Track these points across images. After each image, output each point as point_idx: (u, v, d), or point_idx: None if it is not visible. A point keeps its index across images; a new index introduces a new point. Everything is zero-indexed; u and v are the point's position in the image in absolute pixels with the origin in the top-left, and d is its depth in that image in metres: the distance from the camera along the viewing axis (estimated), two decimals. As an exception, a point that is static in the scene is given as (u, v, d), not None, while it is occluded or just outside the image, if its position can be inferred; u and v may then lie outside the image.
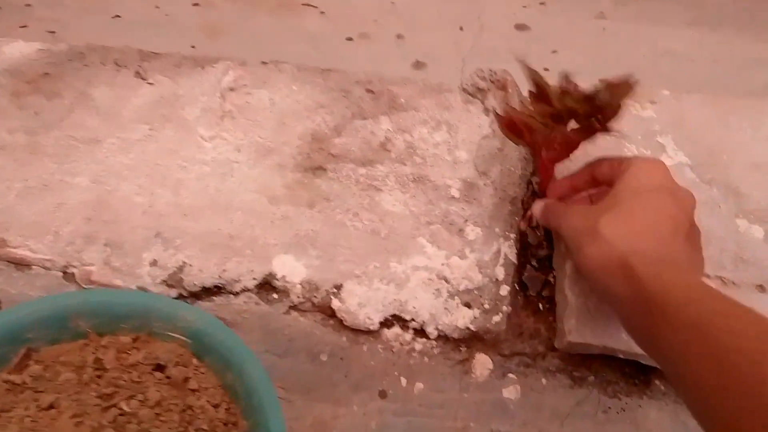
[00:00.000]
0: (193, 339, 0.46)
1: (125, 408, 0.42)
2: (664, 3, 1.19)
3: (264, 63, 0.84)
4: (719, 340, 0.36)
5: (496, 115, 0.63)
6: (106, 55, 0.84)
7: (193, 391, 0.44)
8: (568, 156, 0.62)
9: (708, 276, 0.60)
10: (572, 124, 0.58)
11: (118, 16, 1.02)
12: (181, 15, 1.07)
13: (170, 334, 0.46)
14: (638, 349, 0.56)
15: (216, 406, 0.44)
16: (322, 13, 1.10)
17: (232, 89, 0.80)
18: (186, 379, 0.45)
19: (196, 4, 1.05)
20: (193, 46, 0.98)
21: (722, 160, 0.70)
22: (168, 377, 0.45)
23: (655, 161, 0.53)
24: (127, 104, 0.77)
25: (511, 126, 0.61)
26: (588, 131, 0.58)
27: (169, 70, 0.83)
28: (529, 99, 0.62)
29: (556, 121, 0.59)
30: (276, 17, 1.07)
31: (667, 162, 0.68)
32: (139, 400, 0.43)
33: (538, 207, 0.62)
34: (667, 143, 0.71)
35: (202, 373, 0.45)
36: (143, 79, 0.81)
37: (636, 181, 0.50)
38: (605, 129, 0.57)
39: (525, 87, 0.80)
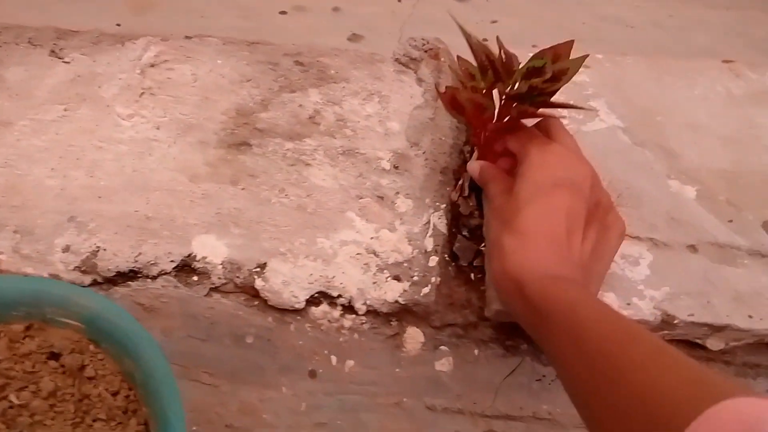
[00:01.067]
0: (88, 324, 0.43)
1: (14, 400, 0.39)
2: (605, -32, 1.17)
3: (188, 37, 0.81)
4: (590, 345, 0.39)
5: (438, 91, 0.61)
6: (19, 34, 0.80)
7: (90, 378, 0.42)
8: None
9: (639, 238, 0.59)
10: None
11: (40, -6, 0.97)
12: (107, -8, 1.02)
13: (64, 320, 0.43)
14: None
15: (115, 394, 0.41)
16: (256, -14, 1.05)
17: (152, 65, 0.76)
18: (82, 367, 0.42)
19: (122, -20, 1.00)
20: (118, 24, 0.94)
21: (656, 122, 0.69)
22: (63, 366, 0.42)
23: (549, 150, 0.54)
24: (40, 84, 0.73)
25: (454, 102, 0.59)
26: (542, 106, 0.56)
27: (86, 48, 0.78)
28: (464, 71, 0.59)
29: (509, 99, 0.56)
30: (207, -10, 1.02)
31: (600, 126, 0.67)
32: (32, 391, 0.40)
33: (473, 167, 0.61)
34: (600, 107, 0.70)
35: (100, 360, 0.43)
36: (59, 57, 0.77)
37: (531, 182, 0.51)
38: (560, 105, 0.56)
39: (459, 53, 0.78)
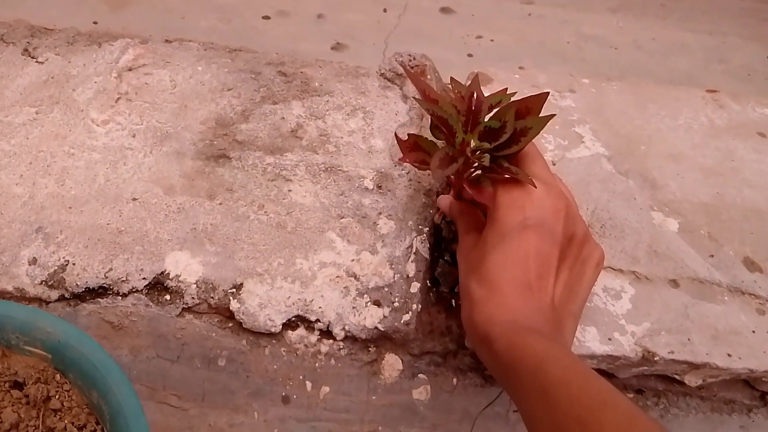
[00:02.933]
0: (54, 353, 0.41)
1: (-28, 433, 0.37)
2: (591, -11, 1.17)
3: (168, 41, 0.78)
4: (559, 407, 0.38)
5: (398, 140, 0.57)
6: (-11, 29, 0.77)
7: (56, 411, 0.40)
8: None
9: (622, 271, 0.59)
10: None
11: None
12: (84, -13, 0.98)
13: (29, 348, 0.41)
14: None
15: (81, 429, 0.39)
16: (239, -12, 1.03)
17: (130, 69, 0.73)
18: (47, 398, 0.40)
19: (101, -25, 0.97)
20: (95, 22, 0.91)
21: (639, 150, 0.69)
22: (26, 396, 0.40)
23: (516, 188, 0.50)
24: (11, 84, 0.70)
25: (413, 159, 0.56)
26: (496, 175, 0.52)
27: (61, 47, 0.76)
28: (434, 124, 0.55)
29: (458, 176, 0.54)
30: (189, -9, 1.00)
31: (584, 153, 0.67)
32: (-8, 424, 0.38)
33: (444, 202, 0.59)
34: (584, 133, 0.69)
35: (66, 391, 0.41)
36: (32, 57, 0.74)
37: (498, 226, 0.49)
38: (509, 174, 0.51)
39: (445, 77, 0.77)
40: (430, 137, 0.56)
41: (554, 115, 0.52)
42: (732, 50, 1.16)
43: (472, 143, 0.51)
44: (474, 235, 0.53)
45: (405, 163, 0.60)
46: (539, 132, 0.51)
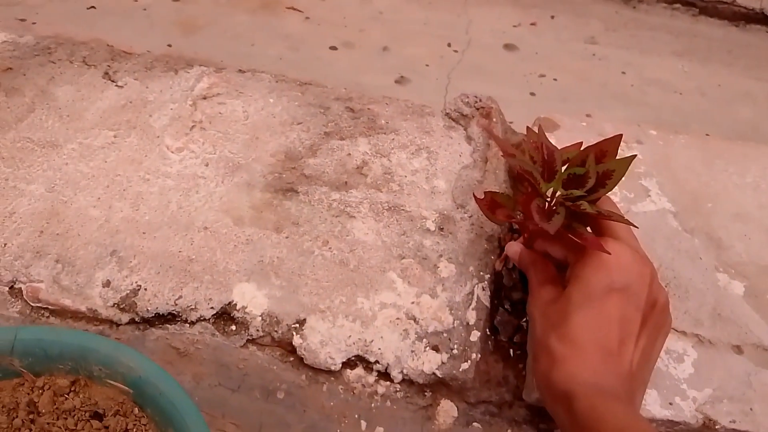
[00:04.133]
0: (134, 387, 0.43)
1: (55, 460, 0.39)
2: (655, 32, 1.17)
3: (241, 71, 0.81)
4: None
5: (476, 199, 0.59)
6: (74, 51, 0.80)
7: (132, 443, 0.41)
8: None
9: (685, 333, 0.58)
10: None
11: (93, 7, 0.98)
12: (160, 10, 1.03)
13: (110, 381, 0.43)
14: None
15: (155, 462, 0.41)
16: (307, 18, 1.06)
17: (204, 97, 0.76)
18: (125, 430, 0.41)
19: (176, 0, 1.01)
20: (169, 45, 0.94)
21: (706, 208, 0.68)
22: (106, 427, 0.41)
23: (603, 255, 0.50)
24: (91, 107, 0.73)
25: (493, 213, 0.58)
26: (580, 220, 0.54)
27: (139, 72, 0.79)
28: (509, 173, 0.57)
29: (544, 219, 0.54)
30: (257, 18, 1.04)
31: (650, 208, 0.67)
32: (72, 451, 0.40)
33: (513, 249, 0.60)
34: (651, 187, 0.69)
35: (144, 425, 0.42)
36: (112, 80, 0.77)
37: (584, 285, 0.49)
38: (602, 217, 0.53)
39: (509, 115, 0.77)
40: (501, 189, 0.57)
41: (635, 156, 0.53)
42: (798, 100, 1.13)
43: (558, 192, 0.53)
44: (549, 289, 0.53)
45: (489, 217, 0.61)
46: (623, 174, 0.52)
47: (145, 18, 1.01)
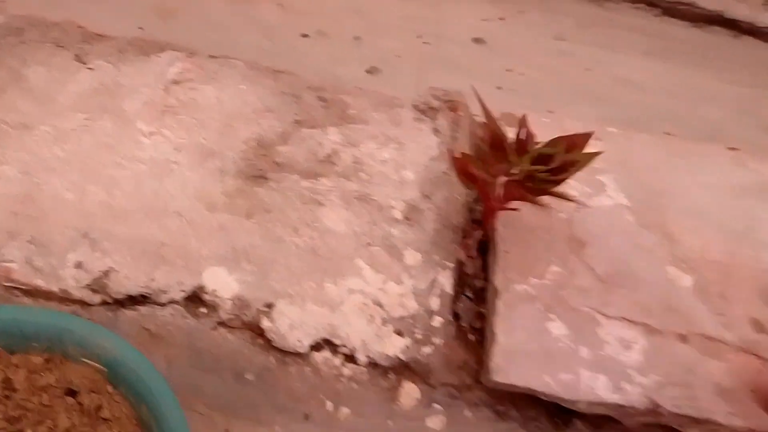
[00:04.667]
0: (109, 367, 0.44)
1: (30, 436, 0.40)
2: (625, 30, 1.20)
3: (213, 57, 0.81)
4: None
5: (451, 156, 0.63)
6: (46, 33, 0.80)
7: (105, 420, 0.43)
8: (516, 209, 0.63)
9: (635, 322, 0.62)
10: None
11: (65, -13, 0.97)
12: (133, -8, 1.02)
13: (85, 360, 0.44)
14: (560, 393, 0.57)
15: (128, 439, 0.42)
16: (280, 5, 1.07)
17: (176, 82, 0.77)
18: (99, 407, 0.43)
19: (150, -18, 1.00)
20: (141, 28, 0.94)
21: (660, 204, 0.72)
22: (80, 404, 0.43)
23: None
24: (63, 89, 0.74)
25: (465, 171, 0.61)
26: (540, 193, 0.59)
27: (112, 56, 0.79)
28: (483, 141, 0.61)
29: (510, 176, 0.58)
30: (232, 4, 1.04)
31: (607, 203, 0.70)
32: (48, 427, 0.41)
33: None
34: (608, 182, 0.72)
35: (117, 402, 0.44)
36: (83, 63, 0.77)
37: None
38: (557, 194, 0.58)
39: (476, 108, 0.80)
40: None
41: (600, 152, 0.58)
42: (760, 102, 1.18)
43: (526, 166, 0.57)
44: None
45: (457, 175, 0.65)
46: (585, 166, 0.58)
47: (118, 0, 1.01)
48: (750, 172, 0.77)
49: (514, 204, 0.62)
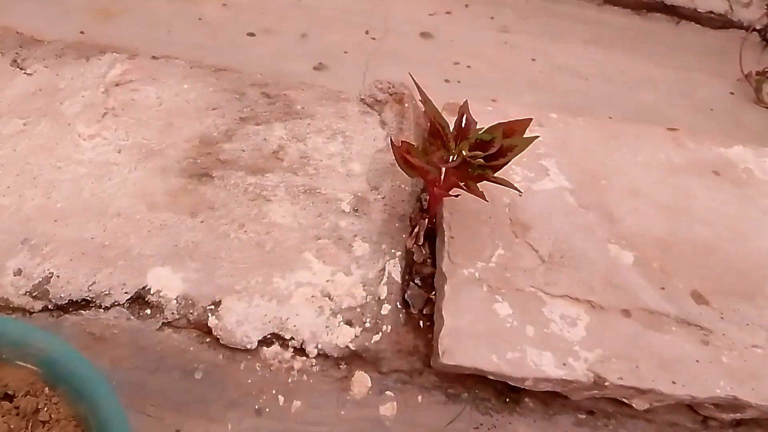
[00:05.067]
0: (44, 367, 0.44)
1: (-37, 442, 0.39)
2: (564, 21, 1.23)
3: (155, 57, 0.81)
4: None
5: (393, 145, 0.63)
6: (-21, 38, 0.78)
7: (44, 422, 0.42)
8: (457, 195, 0.64)
9: (578, 300, 0.63)
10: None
11: (2, -8, 0.95)
12: (73, -4, 1.00)
13: (20, 362, 0.43)
14: (507, 372, 0.58)
15: (67, 439, 0.42)
16: (225, 5, 1.06)
17: (117, 84, 0.76)
18: (36, 410, 0.42)
19: (89, -16, 0.99)
20: (82, 32, 0.93)
21: (600, 185, 0.74)
22: (17, 408, 0.42)
23: None
24: (0, 95, 0.72)
25: (405, 160, 0.62)
26: (477, 179, 0.60)
27: (50, 60, 0.77)
28: (426, 132, 0.62)
29: (448, 164, 0.59)
30: (174, 4, 1.03)
31: (549, 186, 0.71)
32: (-18, 433, 0.40)
33: None
34: (550, 166, 0.74)
35: (54, 404, 0.43)
36: (21, 68, 0.76)
37: None
38: (494, 180, 0.59)
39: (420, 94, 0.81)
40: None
41: (537, 137, 0.61)
42: (696, 86, 1.22)
43: (464, 152, 0.58)
44: None
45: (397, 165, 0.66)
46: (523, 150, 0.59)
47: (58, 4, 0.99)
48: (687, 151, 0.80)
49: (456, 191, 0.63)
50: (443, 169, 0.60)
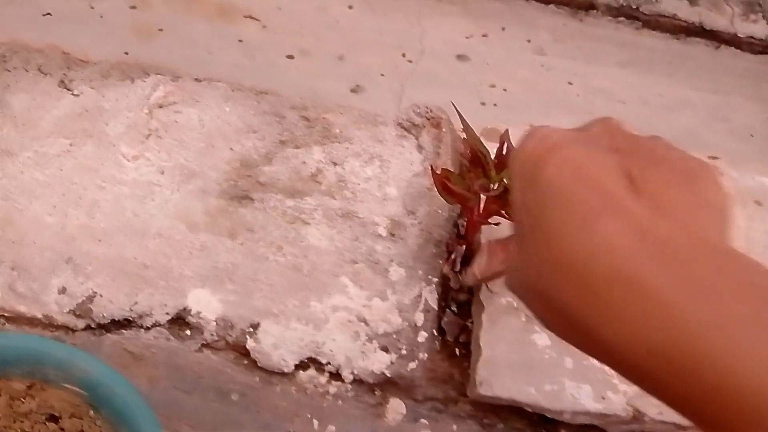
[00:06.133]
0: (89, 390, 0.44)
1: (11, 462, 0.40)
2: (601, 44, 1.22)
3: (197, 80, 0.82)
4: None
5: (433, 172, 0.63)
6: (29, 59, 0.80)
7: (87, 444, 0.43)
8: (497, 224, 0.63)
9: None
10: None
11: (49, 14, 0.98)
12: (116, 17, 1.03)
13: (65, 384, 0.44)
14: (544, 404, 0.57)
15: (109, 462, 0.42)
16: (264, 27, 1.08)
17: (160, 106, 0.77)
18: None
19: (133, 7, 1.02)
20: (126, 53, 0.95)
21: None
22: (62, 429, 0.43)
23: (533, 133, 0.34)
24: (47, 115, 0.74)
25: (445, 187, 0.62)
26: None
27: (95, 81, 0.79)
28: (464, 157, 0.62)
29: (488, 192, 0.59)
30: (215, 25, 1.05)
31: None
32: (29, 453, 0.41)
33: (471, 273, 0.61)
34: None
35: (98, 426, 0.44)
36: (68, 89, 0.78)
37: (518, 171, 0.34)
38: None
39: (460, 124, 0.81)
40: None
41: None
42: (734, 110, 1.19)
43: (505, 180, 0.59)
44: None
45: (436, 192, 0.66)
46: None
47: (101, 25, 1.01)
48: (729, 180, 0.78)
49: (496, 219, 0.63)
50: (482, 198, 0.60)
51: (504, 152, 0.60)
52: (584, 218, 0.29)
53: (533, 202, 0.32)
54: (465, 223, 0.71)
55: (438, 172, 0.63)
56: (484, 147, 0.60)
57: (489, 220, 0.62)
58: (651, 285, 0.26)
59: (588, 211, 0.29)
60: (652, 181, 0.30)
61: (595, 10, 1.24)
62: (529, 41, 1.17)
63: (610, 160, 0.31)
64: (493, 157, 0.61)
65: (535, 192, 0.32)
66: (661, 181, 0.30)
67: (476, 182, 0.59)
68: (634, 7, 1.27)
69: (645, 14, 1.23)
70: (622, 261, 0.27)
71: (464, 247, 0.68)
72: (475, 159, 0.60)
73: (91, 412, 0.44)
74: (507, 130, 0.62)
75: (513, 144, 0.60)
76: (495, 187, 0.59)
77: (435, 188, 0.71)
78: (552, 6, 1.23)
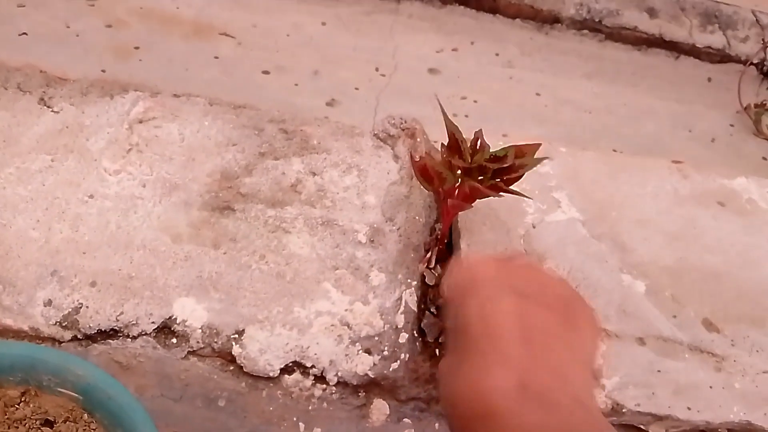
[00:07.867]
0: (83, 394, 0.45)
1: (6, 467, 0.40)
2: (567, 56, 1.26)
3: (176, 95, 0.83)
4: None
5: (412, 158, 0.66)
6: (8, 78, 0.81)
7: (81, 447, 0.43)
8: (471, 206, 0.66)
9: (593, 328, 0.64)
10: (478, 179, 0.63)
11: (25, 33, 0.99)
12: (93, 36, 1.04)
13: (60, 389, 0.45)
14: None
15: (104, 464, 0.43)
16: (240, 44, 1.10)
17: (140, 121, 0.78)
18: (74, 435, 0.44)
19: (109, 26, 1.03)
20: (103, 70, 0.96)
21: (610, 216, 0.76)
22: (55, 433, 0.44)
23: (458, 267, 0.45)
24: (27, 132, 0.75)
25: (424, 171, 0.64)
26: (492, 188, 0.62)
27: (75, 98, 0.80)
28: (442, 149, 0.65)
29: (466, 174, 0.62)
30: (191, 43, 1.06)
31: (561, 217, 0.73)
32: (23, 458, 0.42)
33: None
34: (561, 199, 0.76)
35: (93, 430, 0.44)
36: (47, 106, 0.78)
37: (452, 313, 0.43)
38: (508, 190, 0.62)
39: (433, 135, 0.83)
40: (425, 203, 0.63)
41: (547, 157, 0.65)
42: (697, 118, 1.24)
43: (479, 160, 0.63)
44: None
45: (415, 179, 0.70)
46: (532, 168, 0.64)
47: (78, 44, 1.02)
48: (692, 182, 0.82)
49: (471, 203, 0.65)
50: (458, 177, 0.63)
51: (478, 147, 0.62)
52: (481, 368, 0.37)
53: (455, 330, 0.41)
54: (441, 214, 0.73)
55: (416, 159, 0.65)
56: (461, 133, 0.63)
57: (464, 204, 0.65)
58: (522, 422, 0.34)
59: (487, 361, 0.37)
60: (539, 330, 0.39)
61: (560, 24, 1.28)
62: (497, 55, 1.21)
63: (512, 310, 0.39)
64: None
65: (456, 322, 0.41)
66: (548, 331, 0.40)
67: (453, 162, 0.62)
68: (597, 20, 1.31)
69: (608, 27, 1.28)
70: (500, 401, 0.35)
71: (438, 242, 0.70)
72: (452, 144, 0.63)
73: (86, 416, 0.45)
74: (480, 130, 0.64)
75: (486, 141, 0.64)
76: (471, 162, 0.62)
77: (412, 195, 0.74)
78: (518, 20, 1.27)
